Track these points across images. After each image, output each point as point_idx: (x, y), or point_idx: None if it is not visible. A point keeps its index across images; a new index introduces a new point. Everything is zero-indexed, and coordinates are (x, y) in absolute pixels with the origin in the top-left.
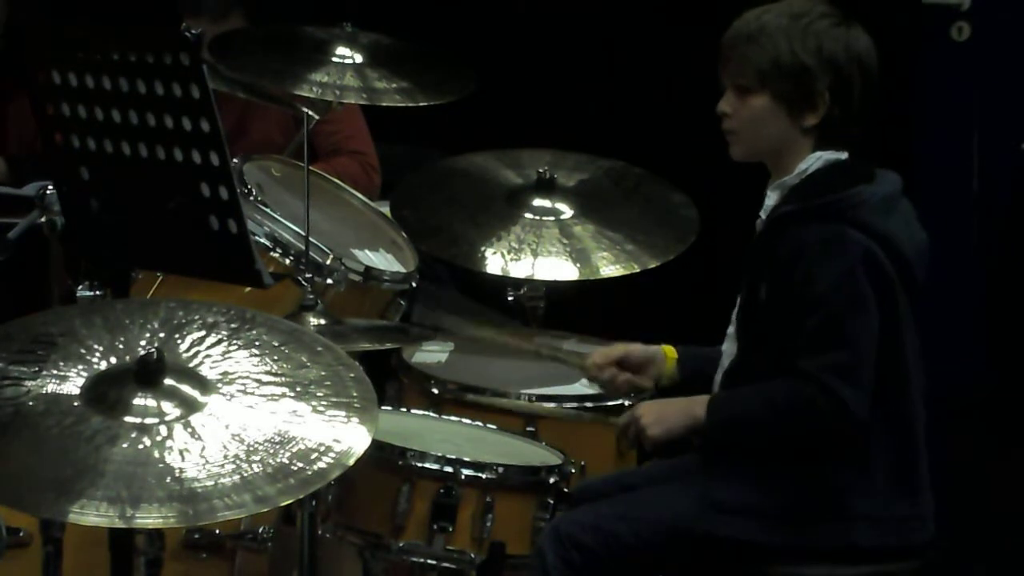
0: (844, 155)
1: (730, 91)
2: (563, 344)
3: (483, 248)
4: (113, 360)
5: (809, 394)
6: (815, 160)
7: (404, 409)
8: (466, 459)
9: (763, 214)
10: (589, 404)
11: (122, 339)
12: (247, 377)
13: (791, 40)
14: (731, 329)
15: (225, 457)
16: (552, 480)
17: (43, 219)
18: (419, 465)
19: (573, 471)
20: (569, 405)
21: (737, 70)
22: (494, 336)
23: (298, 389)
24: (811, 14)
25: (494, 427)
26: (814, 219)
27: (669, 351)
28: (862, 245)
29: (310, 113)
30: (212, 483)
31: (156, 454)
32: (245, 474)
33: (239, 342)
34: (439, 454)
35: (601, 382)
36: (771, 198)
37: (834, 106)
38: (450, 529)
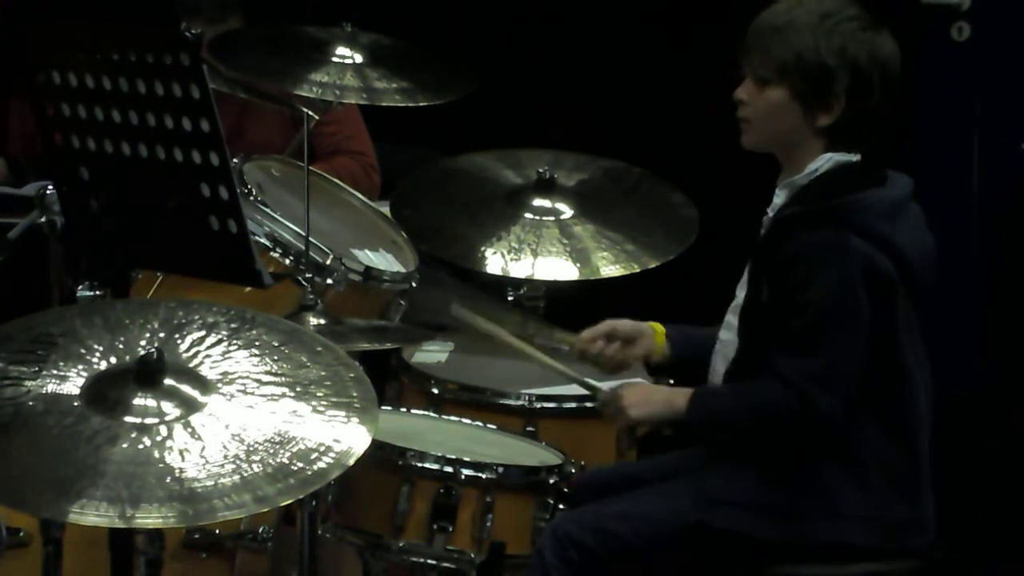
0: (855, 157)
1: (749, 79)
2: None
3: (483, 248)
4: (113, 360)
5: (784, 397)
6: (825, 161)
7: (404, 409)
8: (466, 459)
9: (770, 211)
10: (589, 404)
11: (122, 339)
12: (247, 377)
13: (816, 38)
14: (730, 318)
15: (225, 457)
16: (552, 480)
17: (43, 219)
18: (419, 465)
19: (573, 471)
20: (569, 405)
21: (759, 60)
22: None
23: (298, 389)
24: (840, 15)
25: (494, 427)
26: (818, 223)
27: (658, 328)
28: (863, 253)
29: (310, 113)
30: (212, 483)
31: (156, 454)
32: (245, 474)
33: (239, 342)
34: (439, 454)
35: (592, 358)
36: (779, 196)
37: (849, 109)
38: (450, 529)
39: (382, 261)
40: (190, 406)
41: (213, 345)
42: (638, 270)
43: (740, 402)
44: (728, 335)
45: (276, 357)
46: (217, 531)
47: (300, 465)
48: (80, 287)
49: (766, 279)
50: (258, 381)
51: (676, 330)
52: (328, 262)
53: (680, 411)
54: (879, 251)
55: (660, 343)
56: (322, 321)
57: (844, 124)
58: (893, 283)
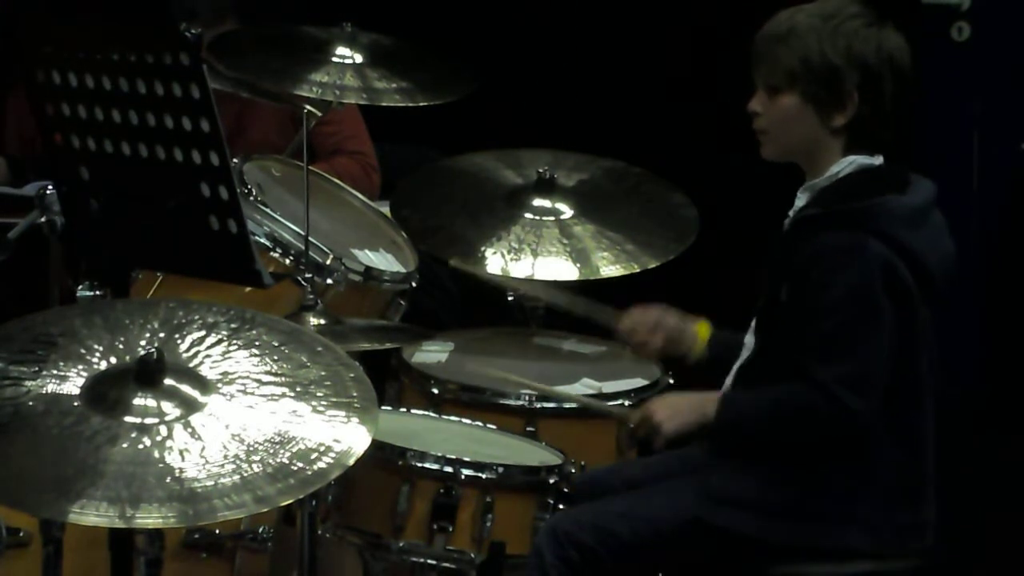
0: (878, 160)
1: (761, 90)
2: (563, 344)
3: (483, 248)
4: (113, 360)
5: (816, 402)
6: (848, 164)
7: (404, 409)
8: (466, 459)
9: (791, 214)
10: (595, 403)
11: (122, 339)
12: (247, 377)
13: (821, 40)
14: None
15: (225, 457)
16: (552, 480)
17: (43, 219)
18: (419, 465)
19: (573, 471)
20: (569, 405)
21: (768, 70)
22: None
23: (298, 389)
24: (842, 14)
25: (494, 427)
26: (837, 225)
27: (703, 330)
28: (882, 256)
29: (310, 109)
30: (212, 483)
31: (156, 454)
32: (245, 474)
33: (239, 342)
34: (439, 454)
35: (631, 344)
36: (801, 199)
37: (864, 106)
38: (450, 529)
39: (382, 261)
40: (190, 406)
41: (213, 345)
42: (638, 270)
43: (772, 408)
44: (752, 339)
45: (276, 357)
46: (217, 531)
47: (300, 465)
48: (80, 287)
49: (786, 280)
50: (258, 381)
51: (718, 335)
52: (328, 262)
53: (710, 416)
54: (898, 257)
55: (701, 344)
56: (322, 321)
57: (860, 122)
58: (909, 290)
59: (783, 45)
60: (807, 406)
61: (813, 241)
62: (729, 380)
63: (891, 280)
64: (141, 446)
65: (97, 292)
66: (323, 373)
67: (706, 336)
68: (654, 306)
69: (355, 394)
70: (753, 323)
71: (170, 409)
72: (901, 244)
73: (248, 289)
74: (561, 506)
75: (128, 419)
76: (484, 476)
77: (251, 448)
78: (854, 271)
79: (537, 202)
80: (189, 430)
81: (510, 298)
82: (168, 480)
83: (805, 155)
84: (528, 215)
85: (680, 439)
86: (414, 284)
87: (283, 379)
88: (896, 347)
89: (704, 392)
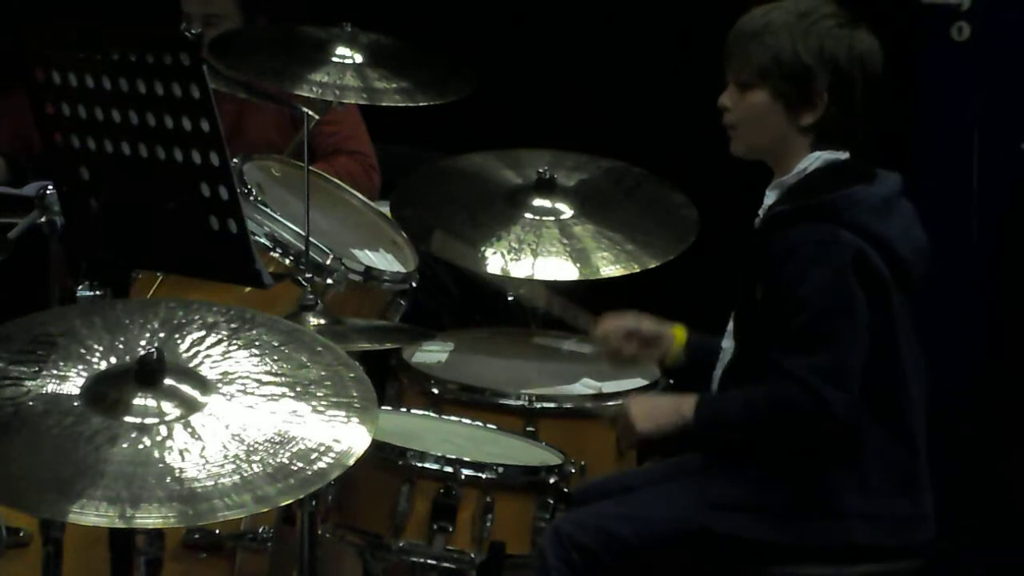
0: (844, 155)
1: (732, 85)
2: (563, 344)
3: (483, 248)
4: (113, 360)
5: (793, 395)
6: (814, 160)
7: (404, 409)
8: (466, 459)
9: (761, 213)
10: (589, 405)
11: (122, 339)
12: (247, 377)
13: (794, 39)
14: (731, 326)
15: (225, 457)
16: (552, 480)
17: (43, 219)
18: (419, 465)
19: (573, 471)
20: (569, 405)
21: (739, 65)
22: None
23: (298, 389)
24: (816, 13)
25: (494, 427)
26: (807, 219)
27: (679, 334)
28: (854, 246)
29: (310, 113)
30: (212, 483)
31: (156, 454)
32: (245, 474)
33: (239, 342)
34: (439, 454)
35: (607, 351)
36: (769, 197)
37: (832, 106)
38: (450, 529)
39: (382, 261)
40: (190, 406)
41: (213, 345)
42: (638, 270)
43: (749, 404)
44: (729, 343)
45: (276, 357)
46: (217, 531)
47: (300, 465)
48: (80, 287)
49: (760, 279)
50: (258, 381)
51: (696, 339)
52: (328, 262)
53: (687, 418)
54: (869, 246)
55: (677, 349)
56: (322, 321)
57: (829, 122)
58: (884, 278)
59: (756, 41)
60: (785, 400)
61: (784, 237)
62: (715, 386)
63: (864, 269)
64: (141, 446)
65: (97, 292)
66: (323, 373)
67: (682, 340)
68: (628, 312)
69: (355, 394)
70: (729, 327)
71: (170, 409)
72: (872, 233)
73: (248, 289)
74: (561, 506)
75: (128, 419)
76: (484, 476)
77: (251, 448)
78: (827, 263)
79: (537, 202)
80: (189, 430)
81: (510, 298)
82: (168, 480)
83: (773, 152)
84: (528, 215)
85: (665, 445)
86: (414, 284)
87: (283, 379)
88: (874, 337)
89: (682, 395)
